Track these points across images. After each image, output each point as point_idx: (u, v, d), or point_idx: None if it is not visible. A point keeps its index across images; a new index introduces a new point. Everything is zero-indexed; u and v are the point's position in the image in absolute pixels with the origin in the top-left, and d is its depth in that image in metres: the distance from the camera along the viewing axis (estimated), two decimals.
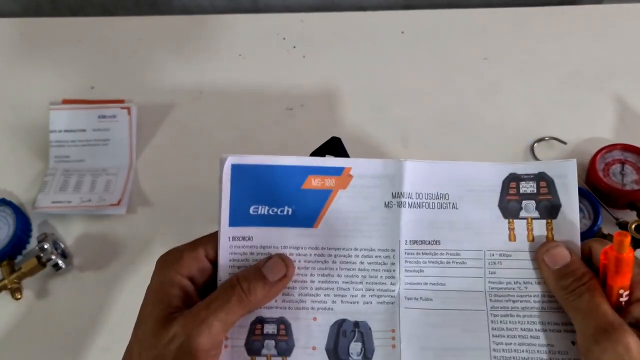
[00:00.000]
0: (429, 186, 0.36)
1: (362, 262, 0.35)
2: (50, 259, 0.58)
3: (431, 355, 0.34)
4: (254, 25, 0.79)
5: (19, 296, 0.58)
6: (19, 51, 0.78)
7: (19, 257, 0.62)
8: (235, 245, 0.35)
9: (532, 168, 0.36)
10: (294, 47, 0.76)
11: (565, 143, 0.66)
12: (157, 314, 0.32)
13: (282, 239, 0.35)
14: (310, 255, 0.35)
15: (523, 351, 0.34)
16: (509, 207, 0.36)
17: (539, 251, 0.35)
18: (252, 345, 0.34)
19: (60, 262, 0.59)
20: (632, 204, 0.57)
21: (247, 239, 0.35)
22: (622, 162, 0.62)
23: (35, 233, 0.63)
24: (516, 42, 0.75)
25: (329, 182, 0.35)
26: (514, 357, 0.34)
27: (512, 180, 0.36)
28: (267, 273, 0.33)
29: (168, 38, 0.78)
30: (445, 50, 0.75)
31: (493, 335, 0.34)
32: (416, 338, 0.34)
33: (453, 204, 0.36)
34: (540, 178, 0.36)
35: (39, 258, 0.58)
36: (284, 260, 0.34)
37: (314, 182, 0.35)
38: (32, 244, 0.62)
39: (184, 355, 0.30)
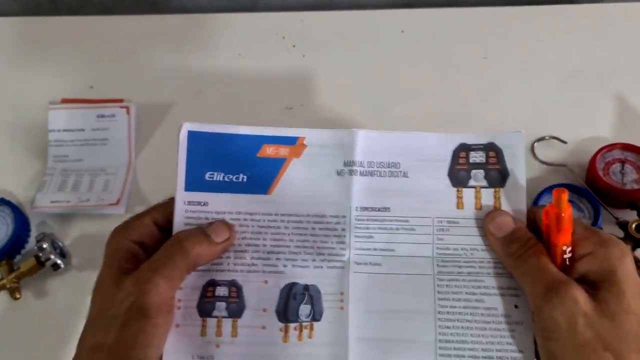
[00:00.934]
0: (380, 155, 0.37)
1: (313, 228, 0.36)
2: (49, 259, 0.58)
3: (378, 317, 0.35)
4: (254, 24, 0.78)
5: (18, 296, 0.58)
6: (18, 50, 0.78)
7: (18, 257, 0.61)
8: (191, 209, 0.36)
9: (481, 138, 0.37)
10: (294, 46, 0.76)
11: (565, 142, 0.65)
12: (109, 277, 0.34)
13: (236, 204, 0.36)
14: (264, 220, 0.36)
15: (467, 314, 0.35)
16: (458, 176, 0.37)
17: (485, 220, 0.36)
18: (204, 307, 0.35)
19: (59, 261, 0.59)
20: (632, 203, 0.57)
21: (202, 204, 0.37)
22: (622, 162, 0.62)
23: (34, 233, 0.63)
24: (516, 41, 0.75)
25: (283, 150, 0.37)
26: (458, 320, 0.35)
27: (462, 150, 0.37)
28: (211, 233, 0.34)
29: (167, 37, 0.78)
30: (445, 49, 0.75)
31: (438, 299, 0.35)
32: (364, 301, 0.35)
33: (404, 172, 0.37)
34: (490, 148, 0.37)
35: (37, 258, 0.58)
36: (226, 225, 0.35)
37: (269, 151, 0.37)
38: (31, 243, 0.62)
39: (135, 313, 0.31)
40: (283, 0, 0.82)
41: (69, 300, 0.59)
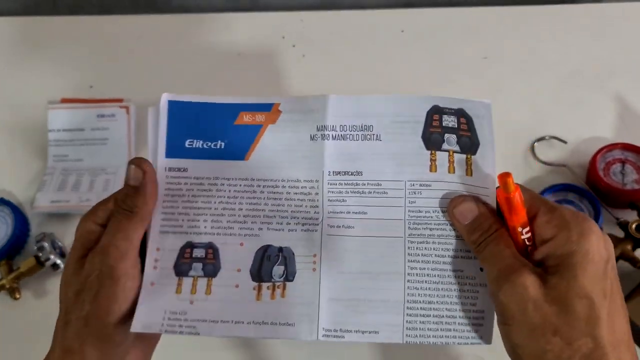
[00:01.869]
0: (353, 118, 0.37)
1: (288, 193, 0.37)
2: (48, 259, 0.58)
3: (349, 279, 0.36)
4: (253, 24, 0.78)
5: (18, 296, 0.58)
6: (18, 50, 0.78)
7: (18, 257, 0.61)
8: (171, 175, 0.38)
9: (453, 103, 0.37)
10: (294, 46, 0.76)
11: (565, 142, 0.65)
12: (74, 258, 0.35)
13: (214, 170, 0.38)
14: (240, 185, 0.37)
15: (435, 276, 0.36)
16: (432, 138, 0.37)
17: (449, 206, 0.36)
18: (180, 267, 0.36)
19: (58, 261, 0.59)
20: (632, 203, 0.57)
21: (182, 170, 0.38)
22: (623, 162, 0.62)
23: (33, 232, 0.63)
24: (516, 41, 0.75)
25: (260, 117, 0.38)
26: (425, 281, 0.36)
27: (436, 112, 0.37)
28: (131, 181, 0.36)
29: (167, 37, 0.78)
30: (445, 49, 0.75)
31: (408, 261, 0.36)
32: (336, 262, 0.36)
33: (377, 135, 0.37)
34: (460, 114, 0.37)
35: (37, 258, 0.58)
36: (137, 164, 0.36)
37: (246, 118, 0.38)
38: (31, 243, 0.62)
39: (106, 280, 0.34)
40: (283, 0, 0.82)
41: None
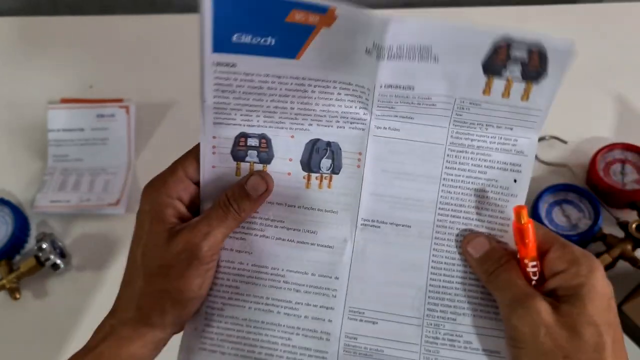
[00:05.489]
0: (412, 38, 0.36)
1: (339, 94, 0.37)
2: (48, 259, 0.58)
3: (390, 177, 0.38)
4: None
5: (18, 296, 0.58)
6: (18, 50, 0.78)
7: (17, 257, 0.61)
8: (220, 70, 0.37)
9: (529, 36, 0.35)
10: None
11: (565, 142, 0.65)
12: (160, 230, 0.37)
13: (264, 67, 0.37)
14: (291, 84, 0.37)
15: (469, 182, 0.38)
16: (493, 65, 0.36)
17: (463, 242, 0.38)
18: (237, 153, 0.38)
19: (58, 261, 0.59)
20: (632, 203, 0.57)
21: (230, 65, 0.37)
22: (623, 162, 0.62)
23: (33, 232, 0.63)
24: None
25: (313, 18, 0.36)
26: (459, 186, 0.38)
27: (504, 43, 0.35)
28: (251, 191, 0.37)
29: (167, 36, 0.78)
30: None
31: (446, 167, 0.38)
32: (379, 161, 0.38)
33: (435, 56, 0.36)
34: (535, 47, 0.35)
35: (37, 258, 0.58)
36: (263, 178, 0.38)
37: (298, 17, 0.36)
38: (31, 243, 0.62)
39: (193, 261, 0.36)
40: None
41: (68, 301, 0.59)
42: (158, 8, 0.84)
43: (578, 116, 0.67)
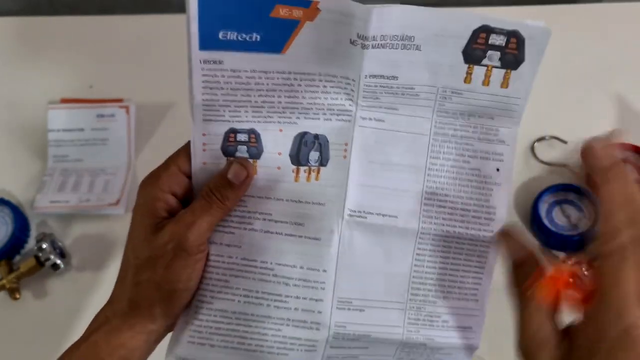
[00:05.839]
0: (395, 28, 0.36)
1: (325, 86, 0.38)
2: (48, 259, 0.58)
3: (375, 167, 0.39)
4: None
5: (18, 296, 0.58)
6: (17, 50, 0.78)
7: (17, 257, 0.61)
8: (207, 68, 0.37)
9: (507, 24, 0.38)
10: None
11: (565, 142, 0.65)
12: (147, 223, 0.37)
13: (251, 63, 0.37)
14: (278, 78, 0.38)
15: (453, 172, 0.39)
16: (473, 54, 0.37)
17: (497, 236, 0.39)
18: (227, 149, 0.39)
19: (58, 261, 0.59)
20: None
21: (217, 62, 0.37)
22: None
23: (33, 233, 0.63)
24: None
25: (297, 12, 0.36)
26: (444, 176, 0.39)
27: (483, 31, 0.37)
28: (233, 179, 0.38)
29: (167, 36, 0.78)
30: None
31: (431, 157, 0.39)
32: (364, 152, 0.39)
33: (417, 45, 0.37)
34: (513, 35, 0.37)
35: (37, 258, 0.58)
36: (243, 165, 0.38)
37: (282, 12, 0.37)
38: (31, 243, 0.62)
39: (181, 252, 0.36)
40: None
41: (68, 301, 0.59)
42: (158, 8, 0.84)
43: (578, 116, 0.68)
